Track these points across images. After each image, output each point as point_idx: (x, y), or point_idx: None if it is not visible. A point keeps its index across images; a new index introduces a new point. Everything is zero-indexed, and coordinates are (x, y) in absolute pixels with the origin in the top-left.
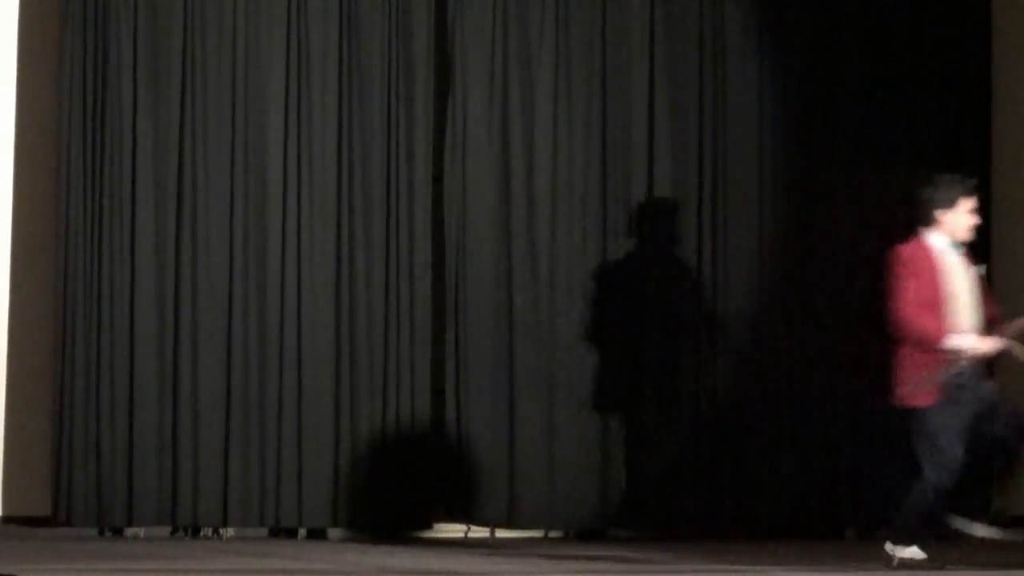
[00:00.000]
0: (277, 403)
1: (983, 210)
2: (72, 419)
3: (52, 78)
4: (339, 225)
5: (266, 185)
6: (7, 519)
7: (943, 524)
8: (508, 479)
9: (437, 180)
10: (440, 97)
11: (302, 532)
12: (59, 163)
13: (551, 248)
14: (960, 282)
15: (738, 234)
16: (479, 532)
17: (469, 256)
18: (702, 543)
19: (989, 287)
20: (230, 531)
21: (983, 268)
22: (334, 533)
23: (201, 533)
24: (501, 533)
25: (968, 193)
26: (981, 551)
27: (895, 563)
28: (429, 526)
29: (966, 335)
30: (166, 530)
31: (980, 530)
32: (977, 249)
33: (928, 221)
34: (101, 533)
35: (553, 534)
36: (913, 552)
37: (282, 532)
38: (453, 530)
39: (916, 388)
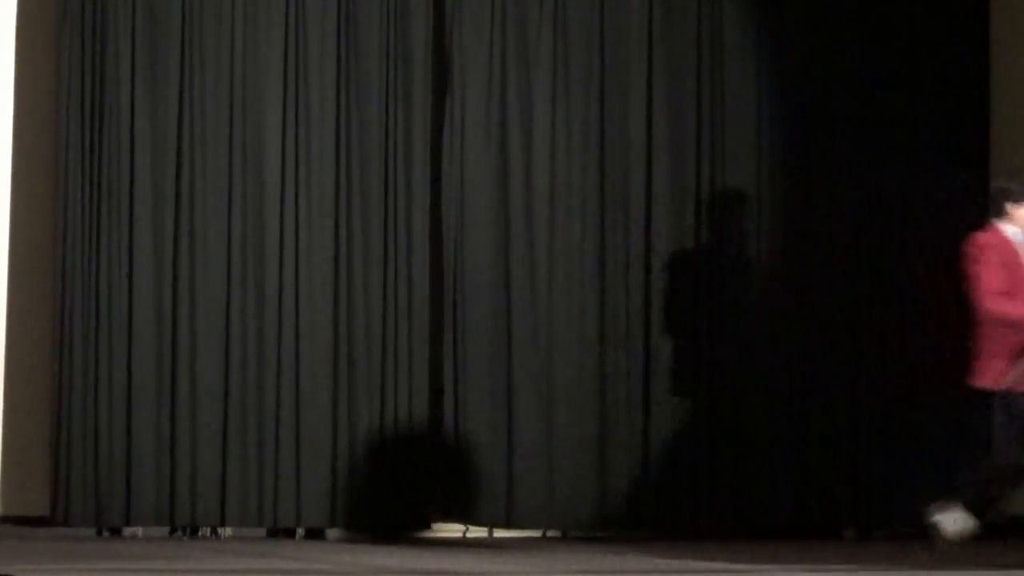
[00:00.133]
0: (275, 403)
1: (982, 208)
2: (70, 419)
3: (50, 78)
4: (337, 225)
5: (264, 185)
6: (5, 519)
7: (992, 509)
8: (506, 479)
9: (435, 180)
10: (438, 97)
11: (300, 532)
12: (57, 163)
13: (549, 248)
14: None
15: (736, 232)
16: (477, 532)
17: (467, 256)
18: (700, 543)
19: None
20: (228, 531)
21: None
22: (332, 533)
23: (199, 533)
24: (499, 533)
25: None
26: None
27: (942, 536)
28: (427, 526)
29: None
30: (164, 530)
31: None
32: None
33: (999, 212)
34: (99, 533)
35: (551, 534)
36: (959, 523)
37: (280, 532)
38: (451, 530)
39: (1019, 376)
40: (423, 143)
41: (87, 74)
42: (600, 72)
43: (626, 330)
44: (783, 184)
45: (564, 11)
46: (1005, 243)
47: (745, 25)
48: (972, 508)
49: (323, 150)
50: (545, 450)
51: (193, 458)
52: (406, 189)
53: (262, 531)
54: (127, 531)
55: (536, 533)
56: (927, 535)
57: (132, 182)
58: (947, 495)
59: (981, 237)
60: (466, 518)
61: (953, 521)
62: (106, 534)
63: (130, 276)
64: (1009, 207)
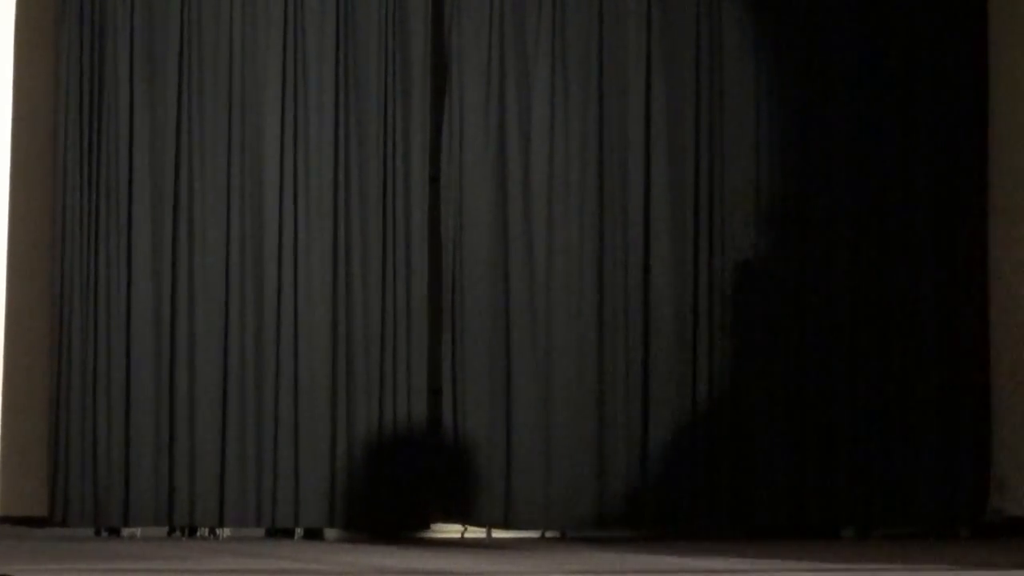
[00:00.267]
0: (273, 403)
1: (982, 212)
2: (69, 419)
3: (48, 78)
4: (336, 224)
5: (263, 185)
6: (3, 519)
7: None
8: (505, 479)
9: (434, 180)
10: (437, 96)
11: (299, 532)
12: (55, 163)
13: (548, 248)
14: None
15: (734, 232)
16: (476, 532)
17: (466, 256)
18: (700, 543)
19: None
20: (227, 531)
21: None
22: (331, 533)
23: (198, 533)
24: (498, 533)
25: None
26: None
27: None
28: (426, 526)
29: None
30: (163, 530)
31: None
32: (976, 252)
33: None
34: (98, 533)
35: (550, 534)
36: None
37: (279, 532)
38: (450, 530)
39: None
40: (421, 142)
41: (86, 74)
42: (599, 72)
43: (625, 330)
44: (782, 184)
45: (563, 11)
46: None
47: (744, 25)
48: None
49: (322, 150)
50: (544, 450)
51: (191, 458)
52: (404, 189)
53: (261, 531)
54: (126, 531)
55: (535, 533)
56: None
57: (131, 182)
58: None
59: None
60: (465, 518)
61: None
62: (105, 534)
63: (129, 276)
64: None
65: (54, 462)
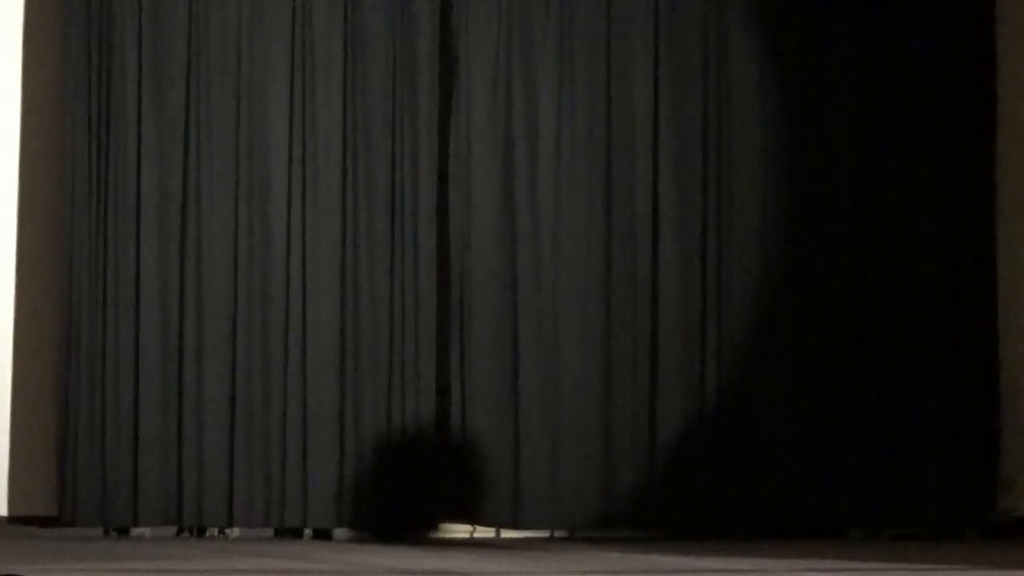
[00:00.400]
0: (282, 403)
1: (989, 213)
2: (77, 419)
3: (56, 82)
4: (343, 225)
5: (270, 186)
6: (13, 519)
7: None
8: (513, 479)
9: (441, 179)
10: (444, 95)
11: (307, 532)
12: (64, 166)
13: (555, 248)
14: None
15: (742, 234)
16: (484, 532)
17: (473, 257)
18: (707, 542)
19: None
20: (235, 531)
21: None
22: (339, 533)
23: (206, 533)
24: (506, 533)
25: None
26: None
27: None
28: (434, 527)
29: None
30: (171, 530)
31: None
32: (983, 252)
33: None
34: (106, 533)
35: (558, 534)
36: None
37: (287, 532)
38: (458, 531)
39: None
40: (429, 141)
41: (93, 77)
42: (606, 75)
43: (632, 331)
44: (789, 187)
45: (570, 11)
46: None
47: (750, 26)
48: None
49: (329, 151)
50: (551, 450)
51: (200, 458)
52: (412, 190)
53: (269, 531)
54: (134, 531)
55: (543, 533)
56: None
57: (139, 184)
58: None
59: None
60: (472, 518)
61: None
62: (113, 534)
63: (137, 277)
64: None
65: (62, 462)
